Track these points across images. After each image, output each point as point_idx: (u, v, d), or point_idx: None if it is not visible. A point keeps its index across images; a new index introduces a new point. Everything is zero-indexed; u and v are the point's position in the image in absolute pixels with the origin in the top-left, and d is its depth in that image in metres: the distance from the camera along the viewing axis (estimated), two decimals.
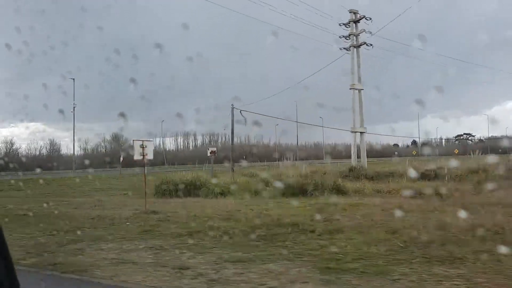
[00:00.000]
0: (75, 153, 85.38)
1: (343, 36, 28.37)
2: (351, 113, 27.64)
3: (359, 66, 27.80)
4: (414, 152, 66.78)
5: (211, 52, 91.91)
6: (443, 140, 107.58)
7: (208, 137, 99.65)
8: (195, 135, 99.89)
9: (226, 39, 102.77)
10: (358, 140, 28.11)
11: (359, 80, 27.83)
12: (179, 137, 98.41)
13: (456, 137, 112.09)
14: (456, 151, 72.03)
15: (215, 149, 22.57)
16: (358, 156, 27.93)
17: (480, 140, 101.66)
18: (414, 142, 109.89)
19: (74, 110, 47.51)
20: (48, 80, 64.44)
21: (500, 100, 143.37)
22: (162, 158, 75.50)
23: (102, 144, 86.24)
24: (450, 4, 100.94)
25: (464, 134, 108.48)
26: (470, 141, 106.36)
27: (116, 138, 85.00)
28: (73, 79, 45.54)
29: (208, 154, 22.17)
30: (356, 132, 27.61)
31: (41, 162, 69.19)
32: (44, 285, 5.20)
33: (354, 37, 28.00)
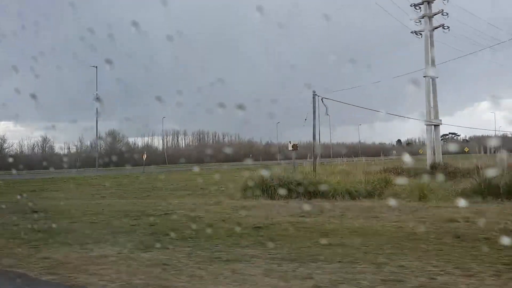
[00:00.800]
0: (64, 151, 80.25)
1: (415, 19, 25.60)
2: (425, 104, 24.83)
3: (432, 51, 25.01)
4: (466, 149, 64.26)
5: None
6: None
7: (197, 135, 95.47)
8: (185, 133, 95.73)
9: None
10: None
11: (433, 66, 25.04)
12: (169, 136, 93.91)
13: (442, 136, 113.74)
14: (467, 149, 71.51)
15: (297, 143, 19.24)
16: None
17: (465, 140, 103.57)
18: (399, 141, 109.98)
19: (96, 99, 42.70)
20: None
21: (472, 101, 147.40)
22: (159, 157, 71.38)
23: (97, 142, 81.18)
24: None
25: (450, 133, 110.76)
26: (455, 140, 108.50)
27: (112, 135, 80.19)
28: (96, 66, 40.98)
29: (290, 148, 18.87)
30: (431, 124, 24.82)
31: (34, 161, 64.12)
32: None
33: (428, 19, 25.19)
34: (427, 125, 25.05)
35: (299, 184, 13.83)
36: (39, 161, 58.76)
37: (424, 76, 24.93)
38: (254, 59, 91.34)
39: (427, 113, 24.64)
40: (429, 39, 25.04)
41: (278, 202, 12.99)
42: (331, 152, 64.01)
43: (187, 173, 30.84)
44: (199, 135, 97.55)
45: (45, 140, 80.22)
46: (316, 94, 19.63)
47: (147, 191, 18.25)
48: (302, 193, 13.73)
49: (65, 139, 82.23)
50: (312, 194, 13.58)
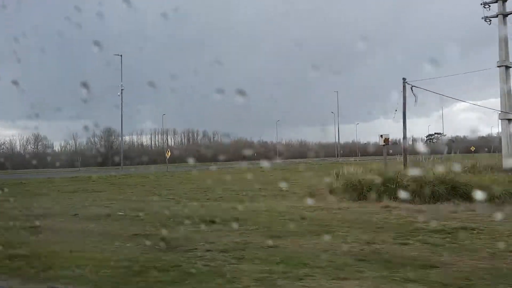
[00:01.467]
0: (60, 149, 75.31)
1: (486, 3, 23.31)
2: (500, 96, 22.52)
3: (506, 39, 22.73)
4: (472, 148, 63.02)
5: None
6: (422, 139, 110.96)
7: (186, 134, 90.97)
8: (174, 132, 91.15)
9: None
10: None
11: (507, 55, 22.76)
12: (158, 135, 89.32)
13: (427, 136, 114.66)
14: (473, 148, 71.00)
15: (388, 135, 16.61)
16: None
17: (451, 140, 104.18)
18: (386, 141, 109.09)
19: (122, 93, 38.36)
20: None
21: (448, 103, 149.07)
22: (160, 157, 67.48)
23: (92, 139, 76.97)
24: None
25: (435, 133, 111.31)
26: (437, 140, 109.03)
27: (108, 132, 75.96)
28: (121, 55, 37.25)
29: (382, 144, 16.24)
30: (508, 119, 22.50)
31: (26, 160, 59.53)
32: None
33: (502, 3, 22.92)
34: (501, 118, 22.74)
35: (442, 183, 11.20)
36: (40, 159, 54.57)
37: (499, 66, 22.66)
38: None
39: (504, 105, 22.34)
40: (502, 24, 22.79)
41: (419, 207, 10.38)
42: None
43: (220, 172, 27.84)
44: (189, 134, 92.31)
45: (37, 138, 75.53)
46: (406, 82, 17.05)
47: (204, 192, 15.58)
48: (440, 195, 11.14)
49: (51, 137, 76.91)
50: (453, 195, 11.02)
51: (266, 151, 76.44)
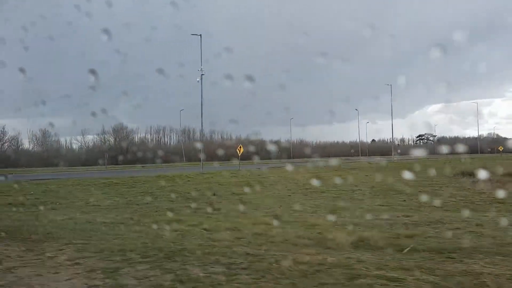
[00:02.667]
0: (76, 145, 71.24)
1: None
2: None
3: None
4: (501, 148, 61.90)
5: None
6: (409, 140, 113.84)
7: (181, 133, 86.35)
8: (170, 130, 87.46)
9: None
10: None
11: None
12: (151, 134, 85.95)
13: (417, 137, 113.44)
14: (501, 147, 70.39)
15: None
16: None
17: (439, 141, 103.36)
18: (373, 141, 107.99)
19: (201, 78, 33.72)
20: None
21: (422, 105, 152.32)
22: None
23: (100, 136, 73.63)
24: None
25: (426, 134, 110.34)
26: (431, 141, 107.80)
27: (120, 130, 73.02)
28: (200, 35, 33.63)
29: None
30: None
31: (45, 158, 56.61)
32: None
33: None
34: None
35: None
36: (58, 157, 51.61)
37: None
38: None
39: None
40: None
41: None
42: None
43: (310, 170, 23.80)
44: (185, 132, 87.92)
45: (44, 133, 72.25)
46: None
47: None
48: None
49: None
50: None
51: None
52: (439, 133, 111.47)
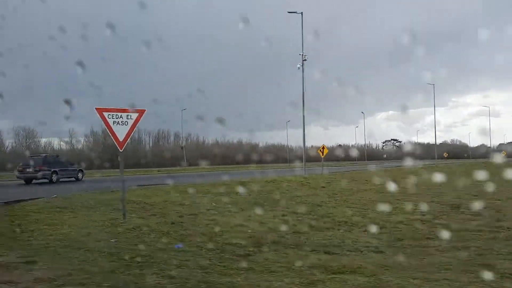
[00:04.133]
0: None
1: None
2: None
3: None
4: (504, 153, 62.23)
5: None
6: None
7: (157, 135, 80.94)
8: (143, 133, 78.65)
9: None
10: None
11: None
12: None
13: (384, 142, 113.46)
14: (504, 152, 70.38)
15: None
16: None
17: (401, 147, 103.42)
18: (339, 146, 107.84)
19: (303, 65, 30.01)
20: None
21: (372, 112, 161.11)
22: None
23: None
24: None
25: (392, 140, 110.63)
26: (397, 147, 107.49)
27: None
28: (301, 13, 29.59)
29: None
30: None
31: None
32: None
33: None
34: None
35: None
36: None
37: None
38: None
39: None
40: None
41: None
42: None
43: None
44: (159, 135, 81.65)
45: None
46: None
47: None
48: None
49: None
50: None
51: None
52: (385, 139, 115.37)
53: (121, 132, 8.67)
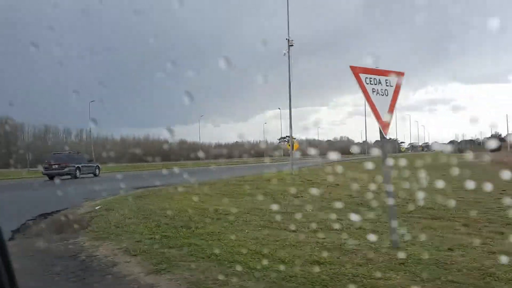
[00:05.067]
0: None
1: None
2: None
3: None
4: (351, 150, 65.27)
5: None
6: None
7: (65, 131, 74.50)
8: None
9: None
10: None
11: None
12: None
13: (279, 139, 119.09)
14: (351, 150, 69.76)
15: None
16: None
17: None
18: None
19: (289, 50, 24.14)
20: None
21: (261, 109, 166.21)
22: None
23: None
24: None
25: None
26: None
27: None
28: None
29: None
30: None
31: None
32: None
33: None
34: None
35: None
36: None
37: None
38: None
39: None
40: None
41: None
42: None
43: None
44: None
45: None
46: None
47: None
48: None
49: None
50: None
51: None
52: (274, 136, 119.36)
53: (382, 106, 5.52)
